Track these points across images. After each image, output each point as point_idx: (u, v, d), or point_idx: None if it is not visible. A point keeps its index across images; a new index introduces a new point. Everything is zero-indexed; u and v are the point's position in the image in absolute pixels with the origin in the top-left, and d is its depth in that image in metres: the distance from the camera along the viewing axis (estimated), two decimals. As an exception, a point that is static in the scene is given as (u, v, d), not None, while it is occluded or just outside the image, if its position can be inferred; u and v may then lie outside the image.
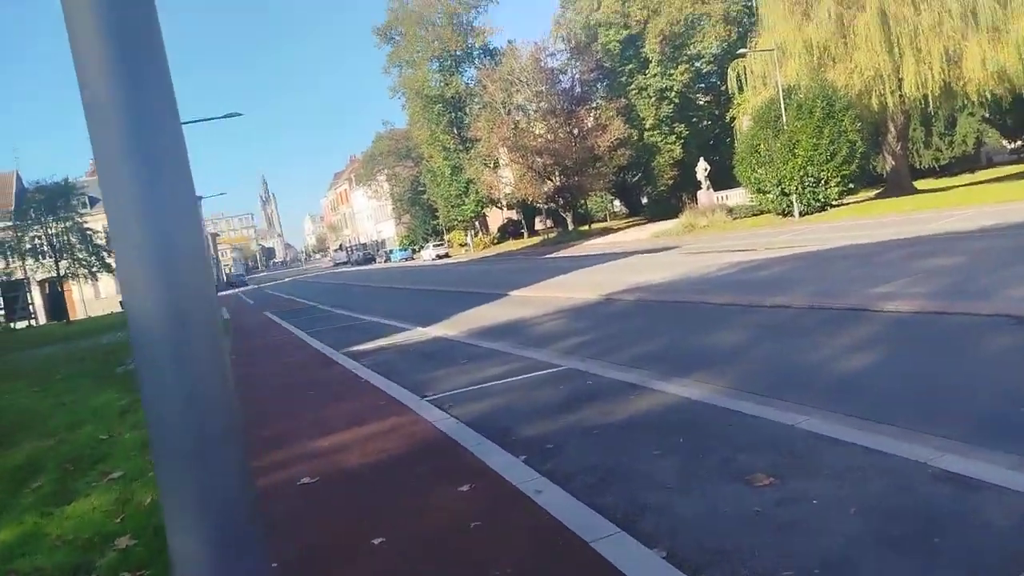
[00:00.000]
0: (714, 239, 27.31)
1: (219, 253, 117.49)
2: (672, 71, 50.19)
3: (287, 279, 72.85)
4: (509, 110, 51.55)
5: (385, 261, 74.19)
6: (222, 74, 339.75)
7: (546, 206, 52.07)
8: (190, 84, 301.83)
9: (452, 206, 58.01)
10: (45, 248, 46.90)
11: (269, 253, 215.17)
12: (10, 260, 46.05)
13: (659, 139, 51.14)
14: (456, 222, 60.23)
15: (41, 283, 52.50)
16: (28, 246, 46.47)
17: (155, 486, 4.74)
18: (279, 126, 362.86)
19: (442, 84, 55.15)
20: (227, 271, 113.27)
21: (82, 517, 4.57)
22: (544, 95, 49.60)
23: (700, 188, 39.88)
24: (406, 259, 67.08)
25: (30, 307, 55.84)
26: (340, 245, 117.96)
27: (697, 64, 52.69)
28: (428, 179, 61.28)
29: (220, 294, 54.89)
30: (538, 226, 59.42)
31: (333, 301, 27.04)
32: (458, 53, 55.71)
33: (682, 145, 51.09)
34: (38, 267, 47.68)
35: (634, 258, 24.08)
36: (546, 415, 5.92)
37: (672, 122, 51.32)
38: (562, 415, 5.83)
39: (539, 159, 48.75)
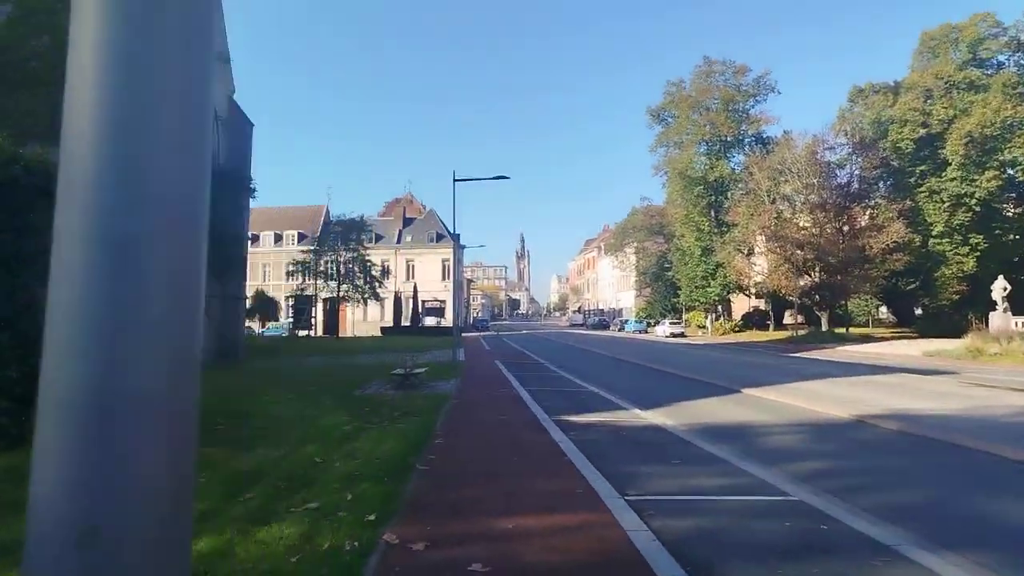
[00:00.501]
0: (1006, 371, 22.64)
1: (470, 298, 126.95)
2: (976, 176, 44.08)
3: (524, 331, 76.02)
4: (774, 199, 49.18)
5: (619, 330, 74.01)
6: (501, 144, 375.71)
7: (799, 301, 48.05)
8: (474, 153, 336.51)
9: (696, 287, 56.31)
10: (332, 272, 54.30)
11: (514, 304, 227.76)
12: (306, 278, 53.87)
13: (948, 248, 44.98)
14: (698, 303, 58.24)
15: (324, 301, 60.66)
16: (321, 269, 54.19)
17: (337, 528, 4.72)
18: (543, 190, 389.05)
19: (707, 167, 54.61)
20: (475, 314, 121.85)
21: (269, 545, 4.68)
22: (815, 188, 46.56)
23: (995, 309, 33.80)
24: (639, 331, 66.22)
25: (312, 320, 65.08)
26: (579, 307, 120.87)
27: (1010, 171, 45.72)
28: (676, 257, 60.45)
29: (464, 335, 58.87)
30: (787, 319, 54.97)
31: (560, 361, 27.27)
32: (728, 139, 54.89)
33: (976, 258, 44.30)
34: (324, 287, 55.27)
35: (899, 377, 20.82)
36: (762, 559, 4.94)
37: (967, 231, 44.88)
38: (782, 565, 4.81)
39: (799, 252, 45.52)
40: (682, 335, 55.25)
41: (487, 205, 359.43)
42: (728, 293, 55.86)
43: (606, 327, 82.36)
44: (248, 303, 65.18)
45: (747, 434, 10.71)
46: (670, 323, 58.02)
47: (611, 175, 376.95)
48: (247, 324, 65.15)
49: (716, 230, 54.67)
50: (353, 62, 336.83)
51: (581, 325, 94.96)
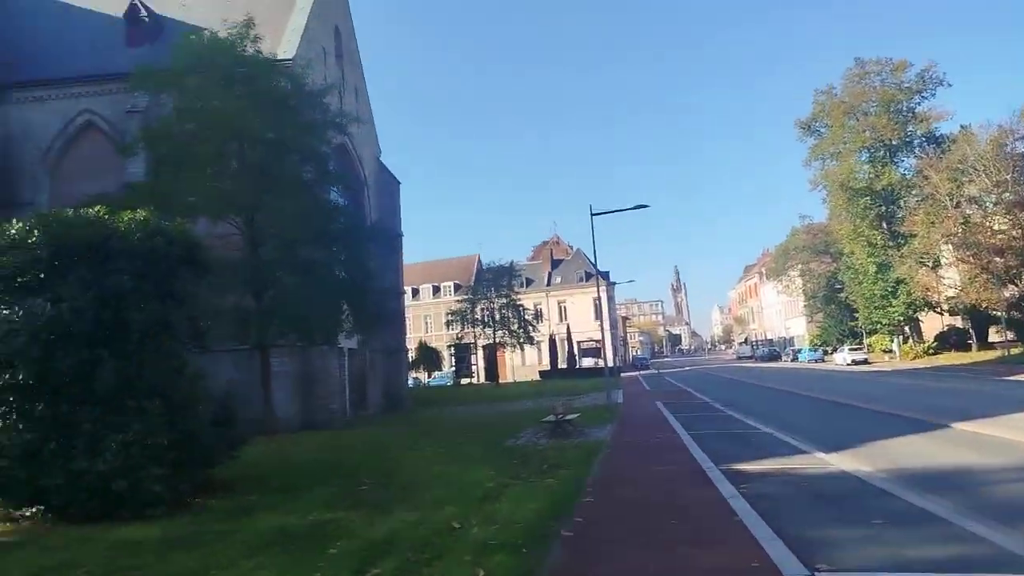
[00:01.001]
0: None
1: (627, 336, 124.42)
2: None
3: (687, 367, 72.65)
4: (958, 202, 43.41)
5: (792, 360, 68.34)
6: (642, 169, 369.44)
7: (1006, 315, 41.59)
8: (611, 182, 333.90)
9: (875, 307, 50.60)
10: (487, 319, 55.23)
11: (675, 339, 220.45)
12: (463, 327, 55.22)
13: None
14: (879, 325, 52.26)
15: (484, 348, 61.71)
16: (476, 317, 55.35)
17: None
18: (694, 217, 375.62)
19: (871, 176, 49.35)
20: (633, 352, 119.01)
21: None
22: (1009, 184, 40.54)
23: None
24: (815, 360, 60.59)
25: (473, 367, 66.60)
26: (745, 339, 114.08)
27: None
28: (847, 276, 54.90)
29: (622, 375, 57.17)
30: (993, 337, 47.75)
31: (727, 399, 25.19)
32: (893, 142, 49.45)
33: None
34: (481, 334, 56.28)
35: None
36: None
37: None
38: None
39: (998, 259, 39.58)
40: (865, 362, 49.71)
41: (635, 238, 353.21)
42: (914, 312, 49.65)
43: (777, 358, 76.56)
44: (412, 355, 68.41)
45: (968, 482, 8.71)
46: (850, 349, 52.48)
47: (764, 195, 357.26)
48: (414, 375, 68.35)
49: (891, 243, 49.10)
50: (487, 104, 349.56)
51: (749, 357, 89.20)
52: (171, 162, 16.82)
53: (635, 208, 21.69)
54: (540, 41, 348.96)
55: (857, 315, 55.93)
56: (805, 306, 73.44)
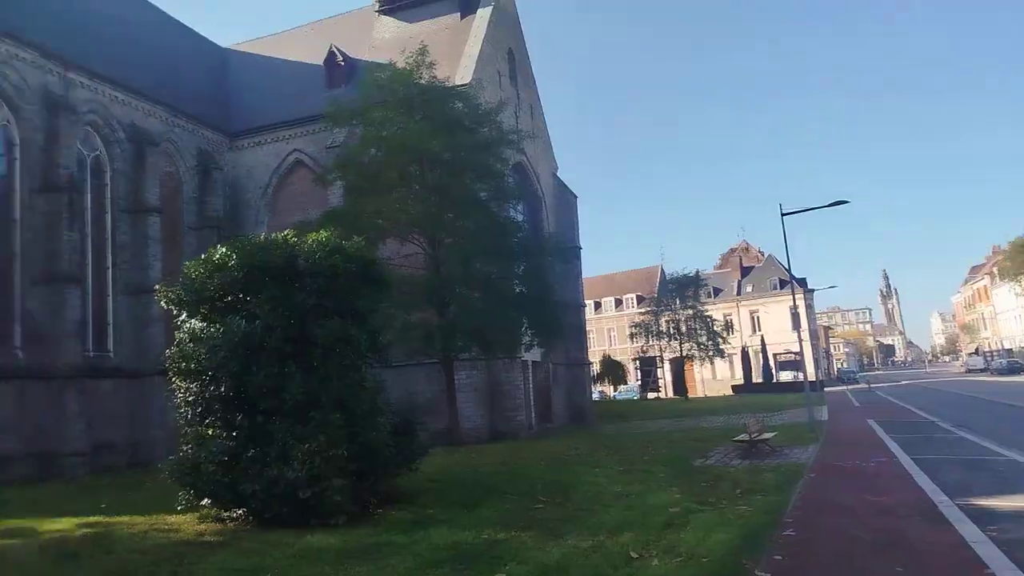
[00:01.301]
0: None
1: (830, 347, 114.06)
2: None
3: (904, 381, 64.63)
4: None
5: (1042, 374, 58.24)
6: (840, 155, 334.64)
7: None
8: (808, 183, 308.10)
9: None
10: (672, 331, 53.27)
11: (887, 351, 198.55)
12: (647, 340, 53.80)
13: None
14: None
15: (671, 361, 59.52)
16: (661, 329, 53.62)
17: None
18: (901, 215, 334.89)
19: None
20: (838, 365, 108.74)
21: None
22: None
23: None
24: (1075, 374, 51.02)
25: (659, 381, 64.58)
26: (976, 349, 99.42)
27: None
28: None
29: (827, 390, 52.26)
30: None
31: (958, 418, 21.70)
32: None
33: None
34: (667, 347, 54.38)
35: None
36: None
37: None
38: None
39: None
40: None
41: (834, 240, 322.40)
42: None
43: (1019, 371, 65.65)
44: (596, 368, 67.93)
45: None
46: (1123, 360, 43.48)
47: (988, 188, 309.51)
48: (600, 388, 67.80)
49: None
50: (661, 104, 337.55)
51: (982, 370, 77.36)
52: (360, 188, 17.97)
53: (832, 205, 19.39)
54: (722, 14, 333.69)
55: None
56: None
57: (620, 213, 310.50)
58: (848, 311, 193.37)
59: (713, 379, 66.60)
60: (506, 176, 18.91)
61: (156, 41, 30.50)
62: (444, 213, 18.14)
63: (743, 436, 14.32)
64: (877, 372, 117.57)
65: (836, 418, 24.39)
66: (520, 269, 18.00)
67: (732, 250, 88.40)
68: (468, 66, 29.03)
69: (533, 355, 33.43)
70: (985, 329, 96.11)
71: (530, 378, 32.72)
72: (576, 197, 40.25)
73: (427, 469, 11.00)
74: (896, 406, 30.35)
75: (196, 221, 29.49)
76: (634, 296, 77.57)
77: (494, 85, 32.27)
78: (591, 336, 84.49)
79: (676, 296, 54.75)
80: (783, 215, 20.21)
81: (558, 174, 40.26)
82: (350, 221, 17.32)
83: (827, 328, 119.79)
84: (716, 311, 65.79)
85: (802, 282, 67.47)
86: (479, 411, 26.53)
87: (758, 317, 70.09)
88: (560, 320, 18.53)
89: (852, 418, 24.33)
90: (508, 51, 35.21)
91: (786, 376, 61.42)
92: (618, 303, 79.39)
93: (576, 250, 39.38)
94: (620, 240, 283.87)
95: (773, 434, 15.17)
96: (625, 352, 69.77)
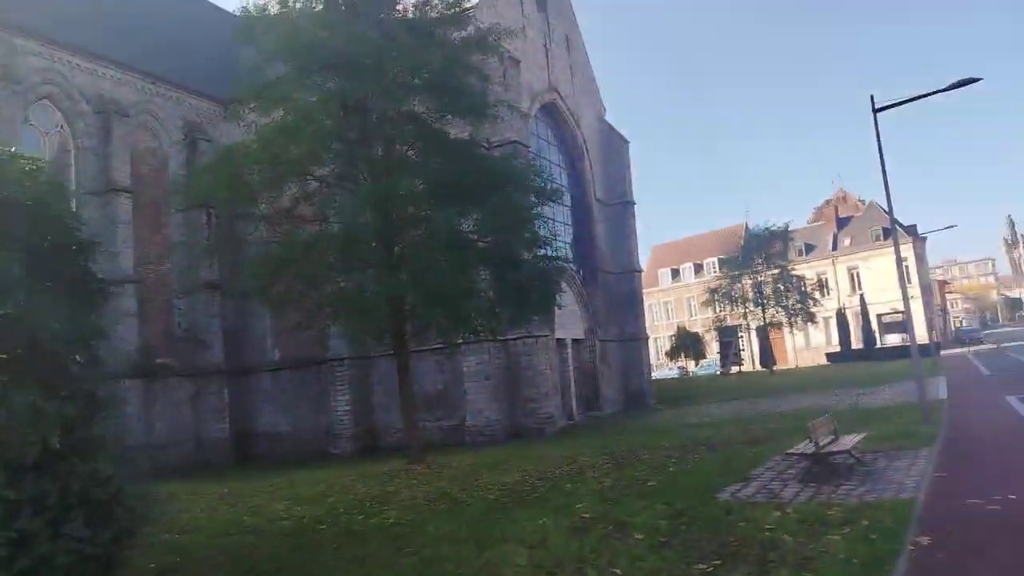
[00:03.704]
0: None
1: (947, 303, 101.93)
2: None
3: (1042, 339, 55.01)
4: None
5: None
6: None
7: None
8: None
9: None
10: (755, 296, 46.75)
11: (1015, 304, 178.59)
12: (722, 307, 47.57)
13: None
14: None
15: (756, 330, 52.89)
16: (739, 295, 47.14)
17: None
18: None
19: None
20: (956, 325, 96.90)
21: None
22: None
23: None
24: None
25: (739, 353, 57.78)
26: None
27: None
28: None
29: (943, 353, 44.43)
30: None
31: None
32: None
33: None
34: (751, 314, 47.88)
35: None
36: None
37: None
38: None
39: None
40: None
41: (950, 185, 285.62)
42: None
43: None
44: (669, 342, 61.81)
45: None
46: None
47: None
48: (679, 364, 61.77)
49: None
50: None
51: None
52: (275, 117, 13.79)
53: (956, 86, 13.15)
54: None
55: None
56: None
57: (705, 171, 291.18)
58: (968, 263, 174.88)
59: (807, 347, 59.23)
60: (469, 90, 14.00)
61: (139, 4, 27.46)
62: (371, 139, 13.64)
63: (806, 445, 9.03)
64: (1004, 329, 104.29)
65: (959, 396, 18.26)
66: (475, 213, 13.00)
67: (827, 202, 79.04)
68: (472, -22, 24.32)
69: (574, 331, 28.56)
70: None
71: (570, 359, 27.83)
72: (627, 143, 34.52)
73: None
74: (1042, 374, 23.52)
75: (184, 201, 26.25)
76: (715, 260, 70.42)
77: (512, 7, 27.26)
78: (668, 307, 78.67)
79: (759, 255, 47.97)
80: (875, 111, 14.24)
81: (606, 118, 34.74)
82: (266, 159, 13.13)
83: (943, 283, 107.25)
84: (809, 270, 58.18)
85: (911, 229, 58.51)
86: (493, 404, 21.98)
87: (858, 274, 61.55)
88: (548, 287, 13.52)
89: (983, 395, 18.14)
90: (535, -29, 30.00)
91: (893, 340, 53.26)
92: (698, 269, 72.46)
93: (628, 205, 33.82)
94: (709, 200, 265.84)
95: (859, 437, 9.75)
96: (707, 323, 63.22)
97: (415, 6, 15.24)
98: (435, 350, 23.00)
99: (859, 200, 74.33)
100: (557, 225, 29.87)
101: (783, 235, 50.42)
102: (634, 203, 34.09)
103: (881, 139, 14.71)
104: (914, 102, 14.43)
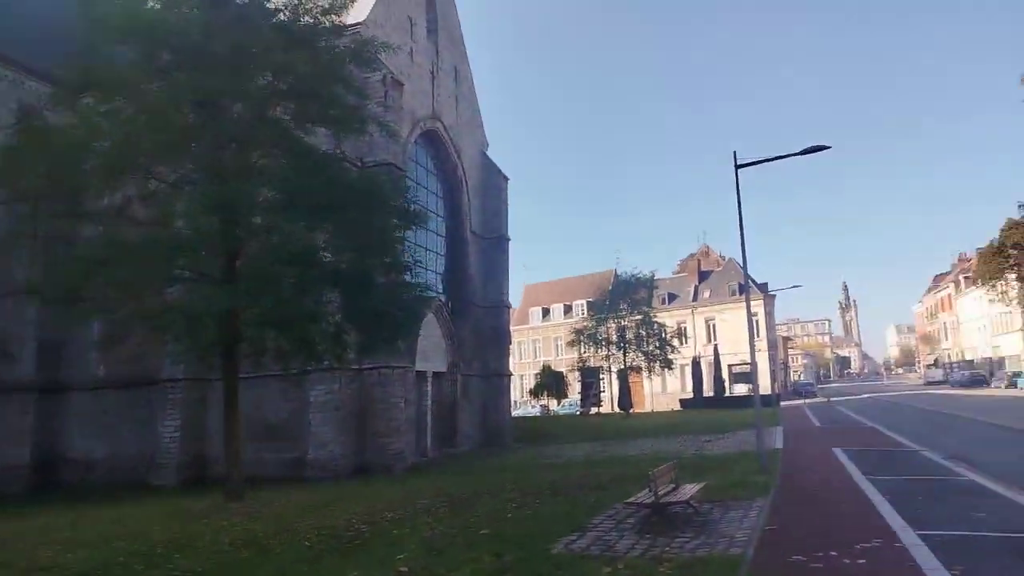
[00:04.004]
0: None
1: (788, 359, 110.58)
2: None
3: (864, 395, 60.39)
4: None
5: (1006, 387, 54.46)
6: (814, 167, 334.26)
7: None
8: (776, 200, 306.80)
9: None
10: (618, 339, 47.98)
11: (843, 363, 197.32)
12: (586, 348, 48.46)
13: None
14: None
15: (618, 373, 54.22)
16: (603, 337, 48.23)
17: None
18: (866, 224, 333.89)
19: None
20: (795, 378, 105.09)
21: None
22: None
23: None
24: (1046, 388, 47.19)
25: (600, 394, 59.10)
26: (935, 360, 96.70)
27: None
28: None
29: (783, 404, 47.56)
30: None
31: (949, 446, 16.63)
32: None
33: None
34: (612, 357, 48.99)
35: None
36: None
37: None
38: None
39: None
40: None
41: (798, 251, 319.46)
42: None
43: (982, 384, 62.12)
44: (534, 380, 62.30)
45: None
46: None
47: (953, 194, 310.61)
48: (541, 402, 62.20)
49: None
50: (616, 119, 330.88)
51: (941, 382, 73.99)
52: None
53: (807, 152, 13.93)
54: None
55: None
56: (1027, 318, 58.42)
57: (588, 216, 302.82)
58: (808, 322, 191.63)
59: (663, 392, 61.66)
60: (365, 105, 13.09)
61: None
62: (224, 141, 12.40)
63: (644, 495, 8.73)
64: (835, 384, 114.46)
65: (793, 446, 19.14)
66: (327, 226, 12.00)
67: (691, 255, 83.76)
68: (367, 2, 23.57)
69: (437, 364, 27.73)
70: (946, 339, 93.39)
71: (429, 393, 26.91)
72: (507, 180, 34.57)
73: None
74: (864, 427, 25.36)
75: (8, 195, 23.13)
76: (584, 303, 72.29)
77: (402, 32, 26.63)
78: (537, 345, 79.60)
79: (625, 299, 49.47)
80: (737, 167, 14.80)
81: (487, 152, 34.67)
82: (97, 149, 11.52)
83: (786, 339, 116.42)
84: (669, 318, 60.91)
85: (763, 287, 62.97)
86: (340, 437, 20.59)
87: (714, 325, 65.27)
88: (406, 316, 12.69)
89: (813, 445, 19.10)
90: (426, -1, 29.63)
91: (740, 389, 56.65)
92: (567, 309, 73.96)
93: (503, 240, 33.69)
94: (583, 245, 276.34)
95: (699, 487, 9.62)
96: (572, 363, 64.31)
97: (288, 8, 14.27)
98: (281, 376, 21.31)
99: (720, 256, 79.35)
100: (430, 255, 29.24)
101: (649, 283, 52.40)
102: (508, 239, 34.02)
103: (740, 195, 15.37)
104: (773, 162, 15.15)
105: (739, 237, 15.28)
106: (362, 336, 12.32)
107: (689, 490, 9.25)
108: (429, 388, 26.50)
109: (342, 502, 12.28)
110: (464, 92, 32.58)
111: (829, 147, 14.30)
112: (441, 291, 29.05)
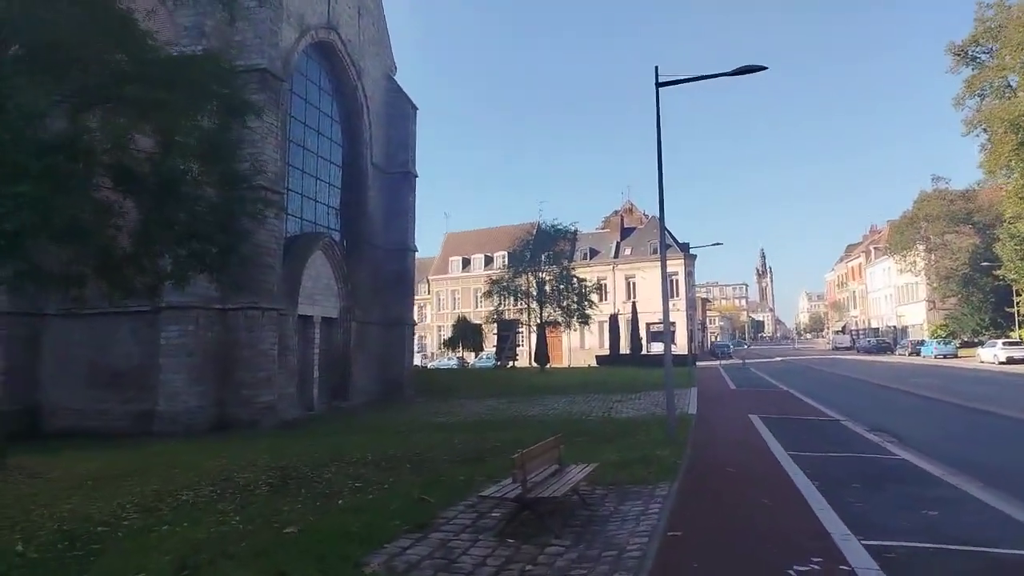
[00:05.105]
0: None
1: (706, 320, 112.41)
2: None
3: (777, 358, 61.17)
4: None
5: (911, 354, 55.99)
6: (725, 143, 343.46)
7: None
8: (694, 154, 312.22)
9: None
10: (535, 292, 46.03)
11: (757, 326, 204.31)
12: (503, 300, 46.34)
13: None
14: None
15: (537, 327, 52.51)
16: (522, 288, 46.18)
17: None
18: (785, 193, 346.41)
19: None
20: (712, 339, 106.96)
21: None
22: None
23: None
24: (946, 356, 48.47)
25: (515, 348, 57.40)
26: (843, 327, 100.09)
27: None
28: (1007, 250, 41.97)
29: (699, 364, 47.07)
30: None
31: (870, 418, 15.27)
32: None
33: None
34: (530, 310, 47.08)
35: None
36: None
37: None
38: None
39: None
40: (1024, 360, 37.75)
41: (720, 215, 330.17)
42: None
43: (887, 350, 63.98)
44: (448, 332, 60.05)
45: None
46: (1004, 344, 40.32)
47: (870, 172, 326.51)
48: (457, 354, 60.06)
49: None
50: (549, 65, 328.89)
51: (848, 348, 76.26)
52: None
53: (739, 72, 11.73)
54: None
55: (1019, 301, 43.39)
56: (934, 289, 59.97)
57: (507, 165, 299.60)
58: (727, 286, 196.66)
59: (581, 348, 60.53)
60: None
61: None
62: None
63: (507, 486, 6.42)
64: (749, 347, 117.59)
65: (708, 413, 17.48)
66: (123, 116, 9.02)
67: (615, 212, 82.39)
68: None
69: (327, 309, 24.82)
70: (855, 308, 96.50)
71: (317, 340, 24.03)
72: (416, 109, 31.26)
73: None
74: (780, 392, 24.26)
75: None
76: (505, 254, 69.94)
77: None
78: (455, 296, 77.10)
79: (546, 251, 47.40)
80: (659, 85, 12.45)
81: (395, 77, 31.22)
82: None
83: (705, 301, 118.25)
84: (590, 274, 59.33)
85: (684, 247, 62.27)
86: (196, 387, 17.60)
87: (634, 283, 64.33)
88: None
89: (729, 413, 17.51)
90: None
91: (658, 348, 56.04)
92: (488, 260, 71.50)
93: (409, 176, 30.52)
94: (512, 193, 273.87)
95: (589, 468, 7.42)
96: (490, 315, 62.20)
97: None
98: (133, 313, 18.10)
99: (643, 214, 78.26)
100: (322, 185, 25.97)
101: (571, 235, 50.51)
102: (416, 175, 30.89)
103: (661, 124, 13.08)
104: (698, 81, 12.87)
105: (657, 164, 13.04)
106: (178, 261, 9.50)
107: (574, 475, 7.03)
108: (317, 335, 23.63)
109: (149, 471, 9.59)
110: (368, 4, 28.83)
111: (765, 68, 12.18)
112: (335, 227, 25.97)
